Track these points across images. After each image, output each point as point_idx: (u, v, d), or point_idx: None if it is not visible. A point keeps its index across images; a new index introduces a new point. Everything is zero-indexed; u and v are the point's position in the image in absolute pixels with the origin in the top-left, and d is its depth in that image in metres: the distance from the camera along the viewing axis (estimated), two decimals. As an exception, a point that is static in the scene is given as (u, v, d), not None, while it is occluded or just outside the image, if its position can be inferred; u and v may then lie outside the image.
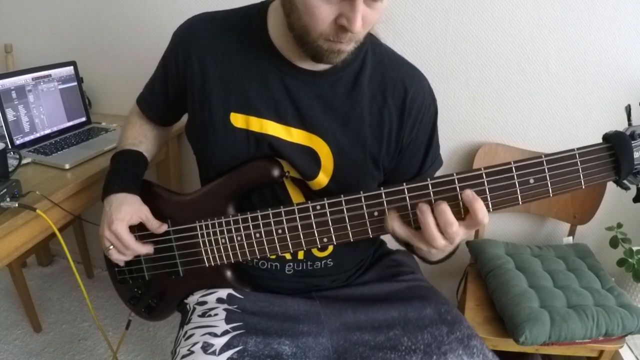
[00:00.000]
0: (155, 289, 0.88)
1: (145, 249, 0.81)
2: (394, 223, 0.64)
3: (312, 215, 0.69)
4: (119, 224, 0.77)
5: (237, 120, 0.76)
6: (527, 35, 1.21)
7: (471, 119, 1.34)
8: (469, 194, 0.59)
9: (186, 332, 0.77)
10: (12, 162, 1.05)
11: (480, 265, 1.27)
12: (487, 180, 0.61)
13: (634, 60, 1.18)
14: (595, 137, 0.63)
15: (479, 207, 0.59)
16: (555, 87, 1.25)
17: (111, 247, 0.80)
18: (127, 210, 0.79)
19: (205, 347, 0.70)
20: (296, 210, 0.69)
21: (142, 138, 0.92)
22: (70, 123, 1.41)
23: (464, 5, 1.22)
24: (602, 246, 1.35)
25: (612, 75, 1.20)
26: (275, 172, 0.76)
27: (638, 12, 1.13)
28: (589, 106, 1.25)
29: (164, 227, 0.81)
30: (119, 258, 0.81)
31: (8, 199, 0.90)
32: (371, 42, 0.77)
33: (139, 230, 0.82)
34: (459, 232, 0.60)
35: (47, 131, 1.34)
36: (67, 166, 1.14)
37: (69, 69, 1.42)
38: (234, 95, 0.75)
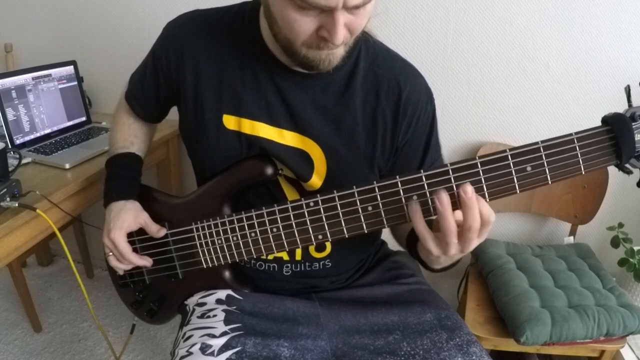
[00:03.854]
0: (156, 293, 0.88)
1: (142, 261, 0.81)
2: (416, 214, 0.60)
3: (305, 213, 0.68)
4: (116, 232, 0.78)
5: (230, 122, 0.75)
6: (528, 34, 1.21)
7: (472, 118, 1.33)
8: (469, 190, 0.55)
9: (185, 333, 0.77)
10: (12, 161, 1.05)
11: (481, 265, 1.27)
12: (482, 170, 0.59)
13: (635, 60, 1.17)
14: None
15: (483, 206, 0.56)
16: (556, 87, 1.25)
17: (110, 254, 0.80)
18: (125, 217, 0.79)
19: (204, 348, 0.69)
20: (290, 208, 0.69)
21: (133, 138, 0.91)
22: (70, 122, 1.41)
23: (464, 5, 1.22)
24: (603, 246, 1.35)
25: (613, 75, 1.20)
26: (269, 171, 0.75)
27: (639, 11, 1.13)
28: (590, 105, 1.24)
29: (163, 232, 0.81)
30: (117, 265, 0.82)
31: (8, 199, 0.90)
32: (364, 40, 0.75)
33: (138, 235, 0.82)
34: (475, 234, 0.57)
35: (47, 131, 1.34)
36: (67, 166, 1.13)
37: (69, 69, 1.42)
38: (226, 97, 0.75)
